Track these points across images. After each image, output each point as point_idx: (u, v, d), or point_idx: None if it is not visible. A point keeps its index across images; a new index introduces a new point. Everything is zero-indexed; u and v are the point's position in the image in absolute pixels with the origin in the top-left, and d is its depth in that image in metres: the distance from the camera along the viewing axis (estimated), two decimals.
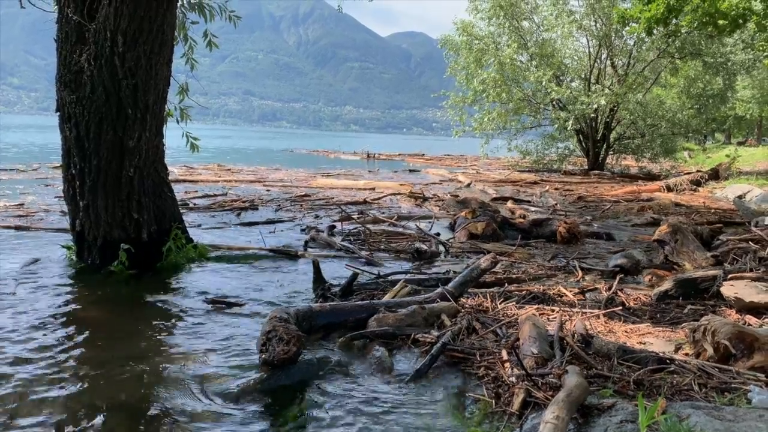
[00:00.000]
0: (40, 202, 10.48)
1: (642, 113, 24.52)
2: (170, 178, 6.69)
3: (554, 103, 25.59)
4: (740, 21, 15.69)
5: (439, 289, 4.90)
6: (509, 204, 12.83)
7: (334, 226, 8.57)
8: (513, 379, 3.34)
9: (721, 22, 15.60)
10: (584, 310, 4.79)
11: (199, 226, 8.56)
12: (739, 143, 45.92)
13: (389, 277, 5.74)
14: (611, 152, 27.28)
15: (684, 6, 15.72)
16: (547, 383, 3.22)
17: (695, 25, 16.55)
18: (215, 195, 12.60)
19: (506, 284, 5.59)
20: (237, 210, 10.56)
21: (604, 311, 4.78)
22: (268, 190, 14.25)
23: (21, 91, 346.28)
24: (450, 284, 5.03)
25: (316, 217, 10.02)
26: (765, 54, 19.41)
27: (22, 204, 10.15)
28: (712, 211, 12.65)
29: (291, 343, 3.42)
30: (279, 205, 11.41)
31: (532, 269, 6.48)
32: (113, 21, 5.47)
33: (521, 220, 9.40)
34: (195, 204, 11.12)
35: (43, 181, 13.93)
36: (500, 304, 4.90)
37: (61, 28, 5.75)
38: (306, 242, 7.66)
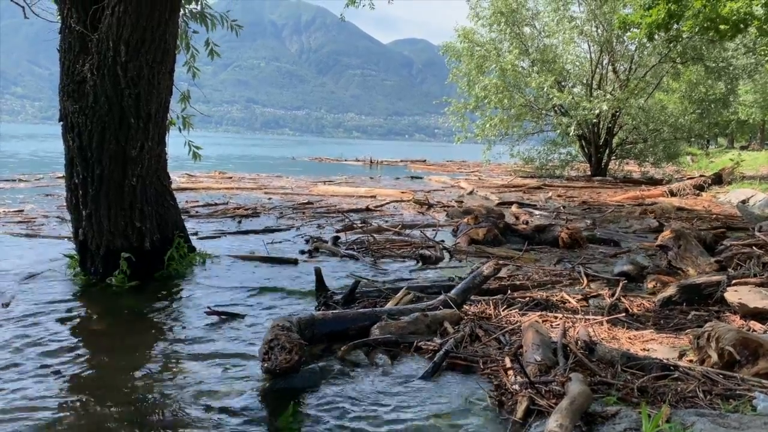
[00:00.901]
0: (39, 210, 10.49)
1: (644, 118, 24.49)
2: (172, 186, 6.71)
3: (556, 108, 25.60)
4: (741, 26, 15.69)
5: (441, 297, 4.88)
6: (514, 208, 12.86)
7: (338, 237, 8.56)
8: (516, 386, 3.33)
9: (722, 26, 15.60)
10: (587, 317, 4.77)
11: (196, 233, 8.54)
12: (742, 147, 45.89)
13: (392, 285, 5.72)
14: (614, 158, 27.25)
15: (685, 11, 15.74)
16: (550, 391, 3.20)
17: (696, 30, 16.54)
18: (216, 204, 12.61)
19: (509, 291, 5.57)
20: (239, 218, 10.57)
21: (607, 318, 4.77)
22: (269, 198, 14.27)
23: (25, 101, 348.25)
24: (452, 291, 5.01)
25: (319, 227, 10.01)
26: (767, 58, 19.40)
27: (21, 211, 10.17)
28: (716, 216, 12.62)
29: (293, 352, 3.41)
30: (281, 213, 11.42)
31: (536, 275, 6.46)
32: (116, 31, 5.50)
33: (524, 226, 9.40)
34: (197, 212, 11.14)
35: (44, 189, 13.95)
36: (503, 311, 4.89)
37: (64, 38, 5.78)
38: (310, 251, 7.65)
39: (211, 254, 6.98)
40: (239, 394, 3.37)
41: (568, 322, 4.53)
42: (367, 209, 12.49)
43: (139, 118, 5.73)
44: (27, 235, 8.12)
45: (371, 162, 35.13)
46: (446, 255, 7.48)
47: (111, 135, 5.64)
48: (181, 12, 7.25)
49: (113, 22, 5.49)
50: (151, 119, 5.86)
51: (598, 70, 26.07)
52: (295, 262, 6.94)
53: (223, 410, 3.21)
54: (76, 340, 4.35)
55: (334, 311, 4.60)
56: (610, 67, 26.40)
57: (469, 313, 4.81)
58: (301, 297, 5.54)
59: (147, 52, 5.67)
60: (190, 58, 8.28)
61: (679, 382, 3.41)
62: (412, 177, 24.62)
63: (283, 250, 7.77)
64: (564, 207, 13.81)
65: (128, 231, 5.88)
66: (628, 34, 20.07)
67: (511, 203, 14.08)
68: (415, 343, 4.09)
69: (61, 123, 5.87)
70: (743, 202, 14.22)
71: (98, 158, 5.68)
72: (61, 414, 3.16)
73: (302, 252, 7.68)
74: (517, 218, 11.02)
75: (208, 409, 3.22)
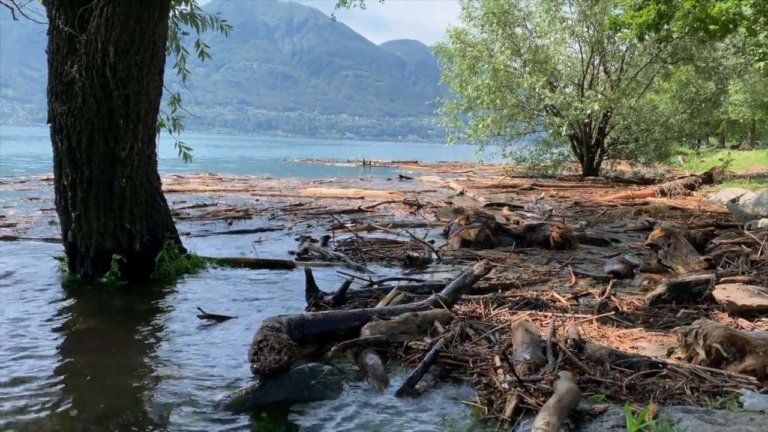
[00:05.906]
0: (20, 215, 10.33)
1: (635, 118, 24.63)
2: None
3: (548, 108, 25.68)
4: (731, 26, 15.80)
5: (432, 296, 4.88)
6: (505, 210, 12.86)
7: (328, 237, 8.55)
8: (505, 385, 3.33)
9: (711, 27, 15.71)
10: (577, 316, 4.78)
11: (188, 234, 8.52)
12: (733, 147, 46.18)
13: (383, 285, 5.72)
14: (605, 157, 27.37)
15: (675, 11, 15.84)
16: (539, 389, 3.21)
17: (686, 30, 16.66)
18: (206, 205, 12.57)
19: (500, 290, 5.58)
20: (230, 219, 10.56)
21: (597, 316, 4.78)
22: (257, 200, 14.24)
23: (15, 103, 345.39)
24: (443, 291, 5.02)
25: (309, 226, 10.01)
26: (756, 58, 19.52)
27: (3, 217, 10.00)
28: (706, 214, 12.69)
29: (282, 352, 3.40)
30: (272, 215, 11.41)
31: (526, 275, 6.48)
32: (104, 32, 5.48)
33: (515, 226, 9.41)
34: (188, 214, 11.10)
35: (26, 193, 13.76)
36: (493, 310, 4.89)
37: (53, 39, 5.76)
38: (300, 253, 7.64)
39: (203, 256, 6.95)
40: (228, 395, 3.35)
41: (557, 321, 4.55)
42: (359, 210, 12.49)
43: (128, 119, 5.71)
44: (7, 237, 8.05)
45: (364, 163, 35.24)
46: (434, 256, 7.48)
47: (100, 136, 5.62)
48: (171, 13, 7.24)
49: (102, 23, 5.47)
50: (141, 120, 5.84)
51: (589, 70, 26.18)
52: (289, 265, 6.90)
53: (211, 412, 3.20)
54: (65, 341, 4.33)
55: (324, 311, 4.59)
56: (601, 68, 26.53)
57: (460, 312, 4.81)
58: (292, 298, 5.53)
59: (136, 53, 5.65)
60: (180, 60, 8.25)
61: (667, 380, 3.43)
62: (401, 176, 24.62)
63: (275, 251, 7.76)
64: (554, 210, 13.71)
65: (118, 232, 5.86)
66: (619, 34, 20.20)
67: (500, 205, 14.07)
68: (405, 343, 4.08)
69: (50, 124, 5.84)
70: (733, 200, 14.30)
71: (87, 160, 5.66)
72: (52, 413, 3.14)
73: (291, 253, 7.67)
74: (507, 219, 11.04)
75: (196, 409, 3.21)
